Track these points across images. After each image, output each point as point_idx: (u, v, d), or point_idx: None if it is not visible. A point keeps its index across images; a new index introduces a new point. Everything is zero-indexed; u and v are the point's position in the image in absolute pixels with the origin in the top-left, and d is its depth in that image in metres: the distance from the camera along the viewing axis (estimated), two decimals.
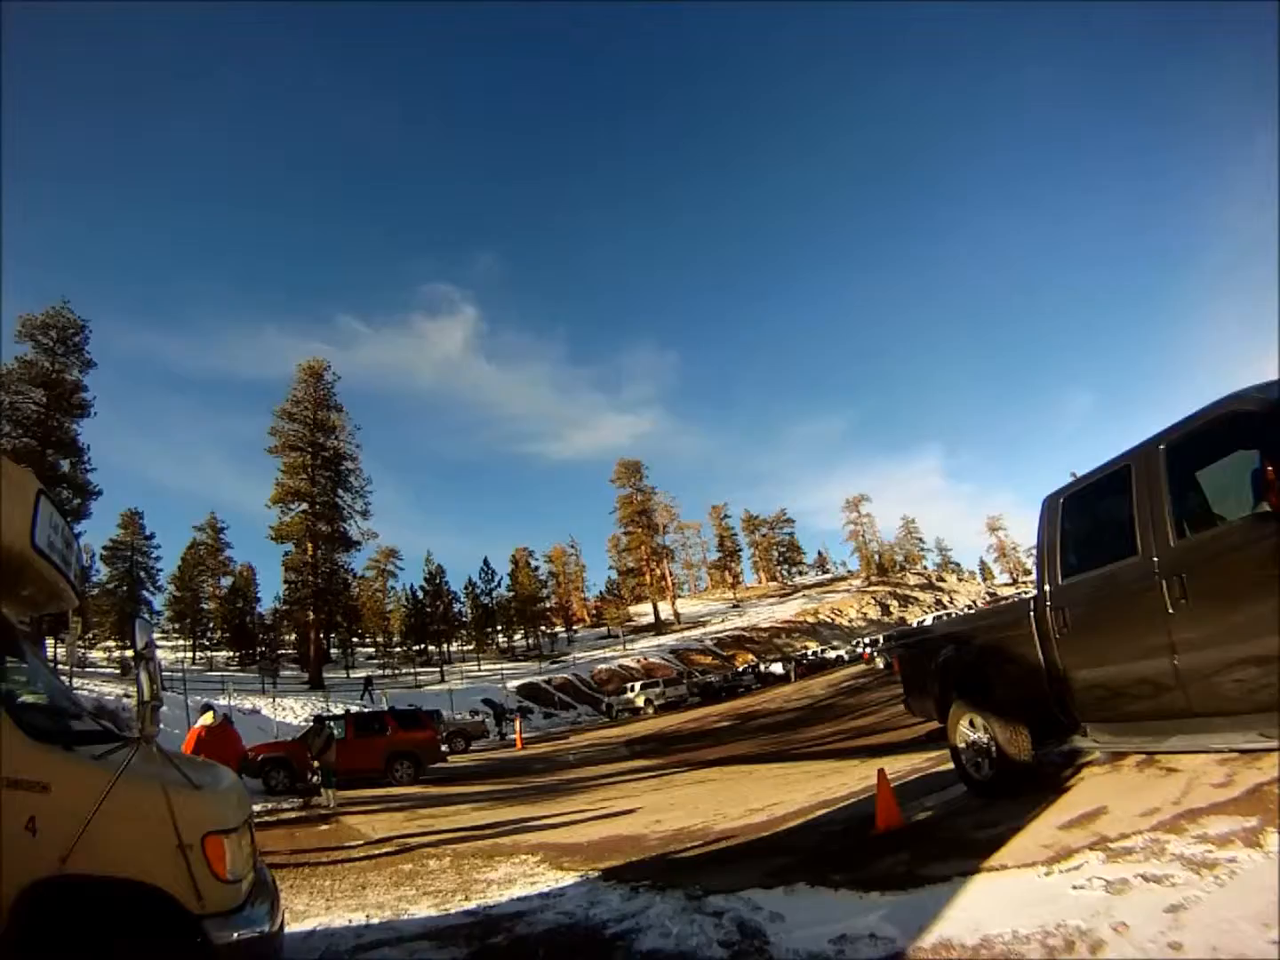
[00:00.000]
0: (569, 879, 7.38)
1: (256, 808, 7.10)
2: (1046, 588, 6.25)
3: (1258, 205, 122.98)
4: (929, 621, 35.13)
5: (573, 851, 8.87)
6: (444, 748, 25.83)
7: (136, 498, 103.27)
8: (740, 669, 59.33)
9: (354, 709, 34.91)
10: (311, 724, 21.87)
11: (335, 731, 19.57)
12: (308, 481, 60.30)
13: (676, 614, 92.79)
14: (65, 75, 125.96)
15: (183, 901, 3.31)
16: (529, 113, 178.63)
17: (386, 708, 32.49)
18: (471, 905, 6.88)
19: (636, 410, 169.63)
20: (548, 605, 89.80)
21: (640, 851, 8.36)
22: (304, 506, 60.20)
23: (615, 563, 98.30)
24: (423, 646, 75.17)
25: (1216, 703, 4.63)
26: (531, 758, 27.73)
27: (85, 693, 29.53)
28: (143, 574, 68.16)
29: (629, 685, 51.41)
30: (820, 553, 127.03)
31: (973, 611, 19.29)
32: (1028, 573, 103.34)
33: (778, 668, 53.25)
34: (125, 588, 65.70)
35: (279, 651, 68.32)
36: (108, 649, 59.95)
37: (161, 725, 3.84)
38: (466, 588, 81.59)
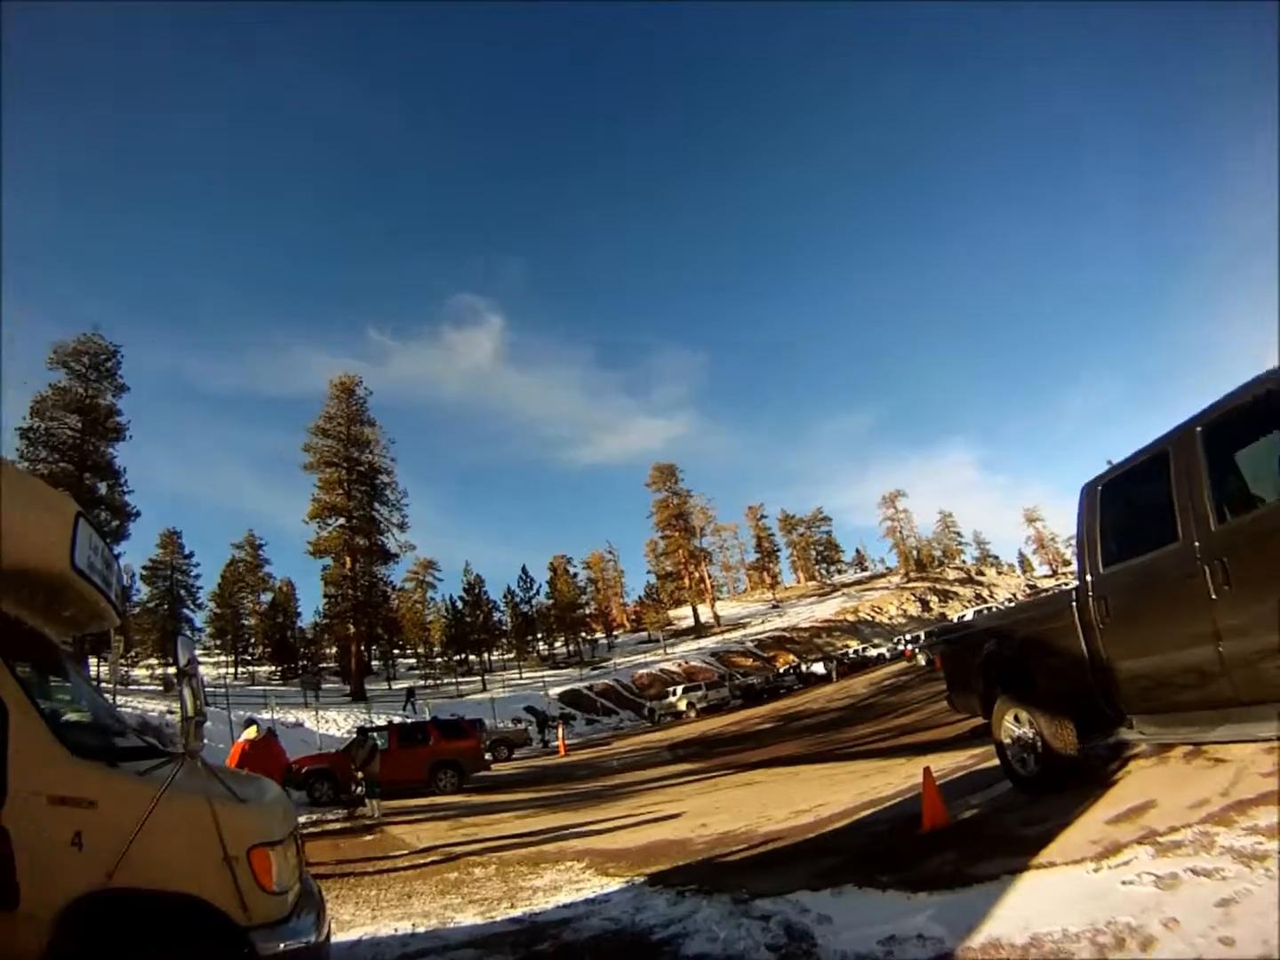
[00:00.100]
0: (614, 885, 7.38)
1: (301, 819, 7.16)
2: (1088, 578, 6.15)
3: (1258, 204, 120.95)
4: (970, 616, 34.80)
5: (618, 857, 8.86)
6: (487, 756, 25.91)
7: (175, 518, 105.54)
8: (781, 670, 59.10)
9: (396, 720, 35.14)
10: (355, 735, 22.05)
11: (379, 742, 19.74)
12: (344, 496, 60.92)
13: (716, 616, 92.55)
14: (71, 80, 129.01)
15: (229, 914, 3.35)
16: (541, 115, 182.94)
17: (429, 718, 32.69)
18: (517, 913, 6.88)
19: (668, 413, 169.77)
20: (587, 611, 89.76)
21: (686, 856, 8.31)
22: (341, 521, 60.85)
23: (653, 567, 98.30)
24: (464, 656, 75.70)
25: (1263, 690, 4.52)
26: (574, 764, 27.77)
27: (129, 710, 29.95)
28: (183, 592, 69.48)
29: (670, 689, 51.30)
30: (858, 550, 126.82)
31: (1014, 605, 19.05)
32: (1067, 564, 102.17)
33: (819, 667, 52.87)
34: (166, 606, 66.95)
35: (320, 665, 69.25)
36: (150, 667, 61.08)
37: (205, 740, 3.88)
38: (506, 596, 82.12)
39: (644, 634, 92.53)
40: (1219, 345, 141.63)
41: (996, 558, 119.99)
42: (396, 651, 76.08)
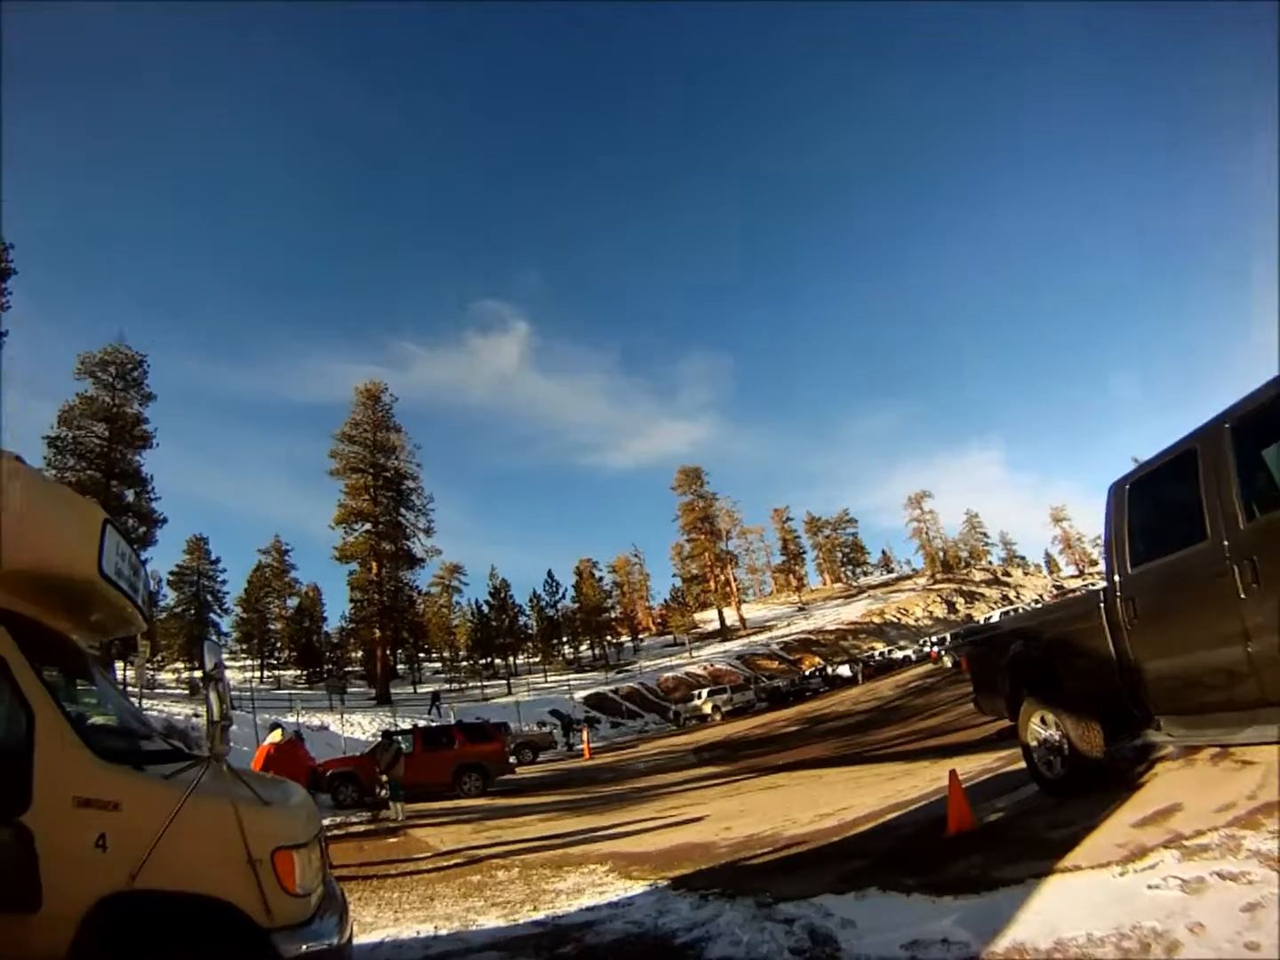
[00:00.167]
0: (638, 888, 7.37)
1: (325, 822, 7.21)
2: (1116, 578, 6.08)
3: (1258, 205, 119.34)
4: (996, 618, 34.51)
5: (641, 860, 8.85)
6: (512, 759, 25.98)
7: (202, 524, 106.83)
8: (807, 672, 58.91)
9: (422, 723, 35.30)
10: (380, 739, 22.16)
11: (404, 746, 19.83)
12: (370, 502, 61.42)
13: (742, 619, 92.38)
14: (71, 80, 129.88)
15: (252, 915, 3.38)
16: (560, 116, 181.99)
17: (454, 721, 32.80)
18: (540, 916, 6.90)
19: (692, 416, 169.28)
20: (613, 615, 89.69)
21: (709, 859, 8.30)
22: (367, 526, 61.39)
23: (679, 570, 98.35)
24: (489, 660, 75.91)
25: None
26: (599, 767, 27.80)
27: (155, 714, 30.25)
28: (209, 597, 70.47)
29: (696, 692, 51.25)
30: (884, 552, 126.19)
31: (1040, 606, 18.88)
32: (1094, 564, 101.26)
33: (845, 670, 52.58)
34: (193, 611, 67.93)
35: (346, 669, 69.67)
36: (176, 670, 61.72)
37: (231, 744, 3.91)
38: (531, 600, 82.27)
39: (669, 637, 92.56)
40: (1228, 346, 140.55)
41: (1023, 558, 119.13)
42: (422, 655, 76.58)
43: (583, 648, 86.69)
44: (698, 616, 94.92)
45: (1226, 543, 4.83)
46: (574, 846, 10.65)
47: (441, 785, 20.74)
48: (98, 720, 4.28)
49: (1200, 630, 5.12)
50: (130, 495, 49.11)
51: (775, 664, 69.67)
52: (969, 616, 79.29)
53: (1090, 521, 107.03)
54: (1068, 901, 4.29)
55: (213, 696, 3.81)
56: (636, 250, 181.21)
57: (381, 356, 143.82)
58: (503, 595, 79.14)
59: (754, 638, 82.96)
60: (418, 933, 6.74)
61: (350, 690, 58.74)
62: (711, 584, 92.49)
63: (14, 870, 3.14)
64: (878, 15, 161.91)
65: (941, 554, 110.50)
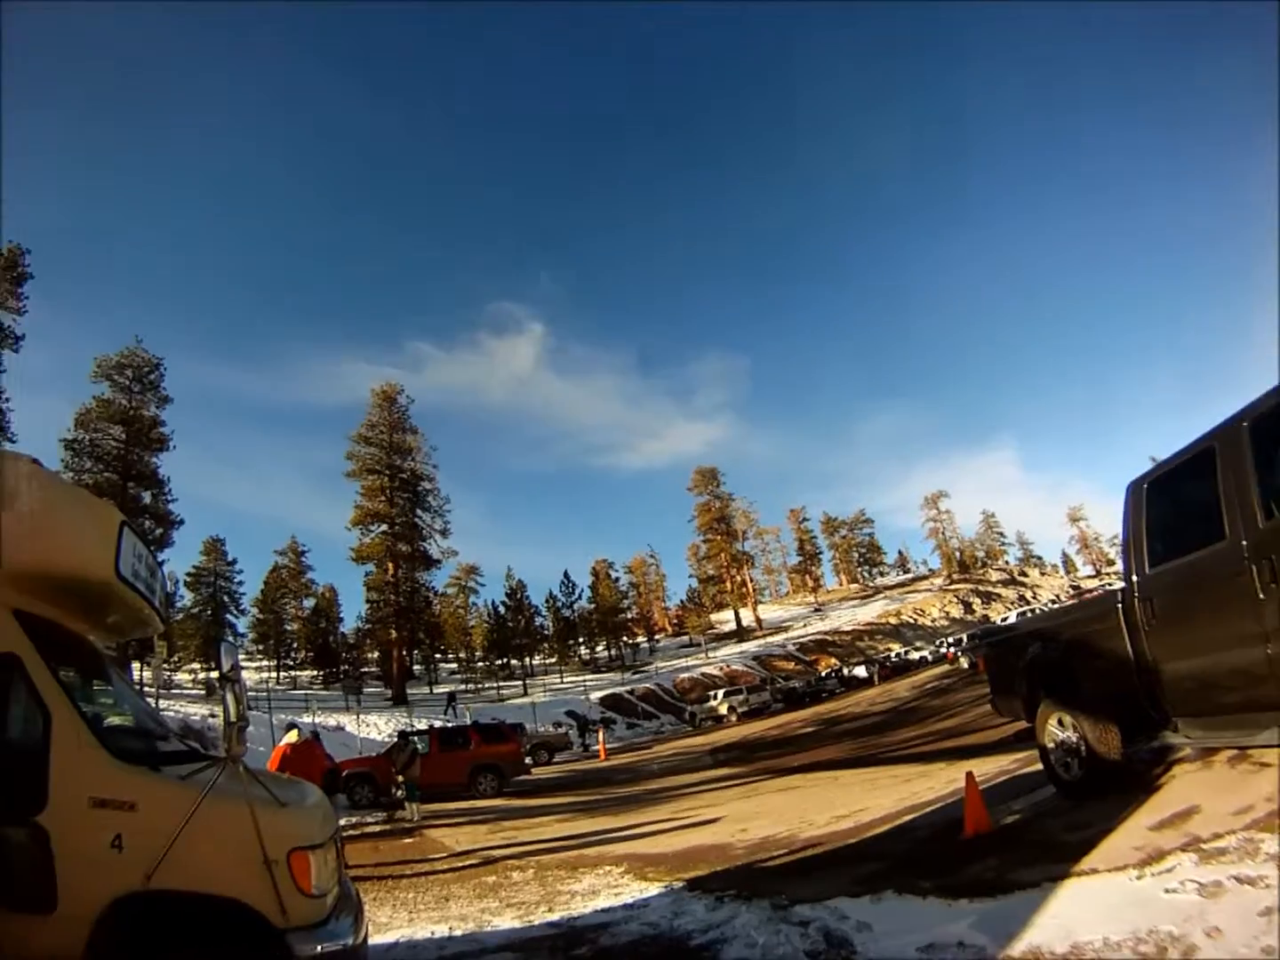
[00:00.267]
0: (653, 889, 7.38)
1: (341, 822, 7.23)
2: (1134, 578, 6.03)
3: (1258, 205, 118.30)
4: (1013, 619, 34.33)
5: (657, 862, 8.85)
6: (527, 760, 26.02)
7: (219, 526, 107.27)
8: (823, 673, 58.70)
9: (438, 724, 35.39)
10: (396, 739, 22.23)
11: (420, 746, 19.87)
12: (386, 503, 61.65)
13: (758, 620, 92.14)
14: (71, 80, 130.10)
15: (267, 916, 3.39)
16: (572, 123, 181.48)
17: (470, 722, 32.87)
18: (555, 917, 6.91)
19: (708, 417, 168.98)
20: (629, 616, 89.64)
21: (725, 861, 8.29)
22: (384, 528, 61.60)
23: (695, 571, 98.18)
24: (505, 660, 75.95)
25: None
26: (615, 768, 27.80)
27: (171, 714, 30.50)
28: (226, 598, 70.81)
29: (712, 693, 51.09)
30: (901, 552, 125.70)
31: (1058, 606, 18.76)
32: (1111, 563, 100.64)
33: (861, 671, 52.34)
34: (209, 612, 68.26)
35: (362, 669, 69.97)
36: (193, 671, 62.03)
37: (248, 744, 3.92)
38: (547, 601, 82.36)
39: (685, 638, 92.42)
40: (1232, 346, 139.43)
41: (1040, 558, 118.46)
42: (438, 656, 76.65)
43: (599, 648, 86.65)
44: (714, 617, 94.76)
45: (1245, 542, 4.78)
46: (589, 848, 10.65)
47: (457, 786, 20.80)
48: (114, 721, 4.32)
49: (1218, 631, 5.08)
50: (147, 497, 49.44)
51: (791, 665, 69.48)
52: (985, 617, 78.90)
53: (1108, 521, 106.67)
54: (1084, 905, 4.27)
55: (229, 697, 3.83)
56: (651, 251, 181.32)
57: (397, 358, 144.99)
58: (519, 596, 79.23)
59: (770, 638, 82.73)
60: (433, 933, 6.76)
61: (366, 691, 58.99)
62: (728, 585, 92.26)
63: (30, 870, 3.17)
64: (878, 15, 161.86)
65: (958, 554, 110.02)
